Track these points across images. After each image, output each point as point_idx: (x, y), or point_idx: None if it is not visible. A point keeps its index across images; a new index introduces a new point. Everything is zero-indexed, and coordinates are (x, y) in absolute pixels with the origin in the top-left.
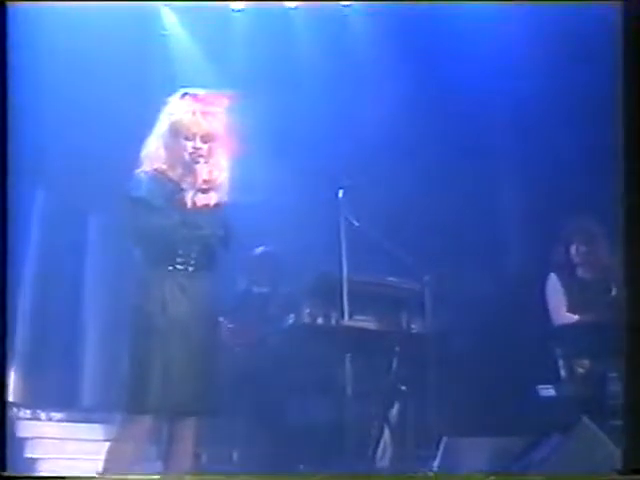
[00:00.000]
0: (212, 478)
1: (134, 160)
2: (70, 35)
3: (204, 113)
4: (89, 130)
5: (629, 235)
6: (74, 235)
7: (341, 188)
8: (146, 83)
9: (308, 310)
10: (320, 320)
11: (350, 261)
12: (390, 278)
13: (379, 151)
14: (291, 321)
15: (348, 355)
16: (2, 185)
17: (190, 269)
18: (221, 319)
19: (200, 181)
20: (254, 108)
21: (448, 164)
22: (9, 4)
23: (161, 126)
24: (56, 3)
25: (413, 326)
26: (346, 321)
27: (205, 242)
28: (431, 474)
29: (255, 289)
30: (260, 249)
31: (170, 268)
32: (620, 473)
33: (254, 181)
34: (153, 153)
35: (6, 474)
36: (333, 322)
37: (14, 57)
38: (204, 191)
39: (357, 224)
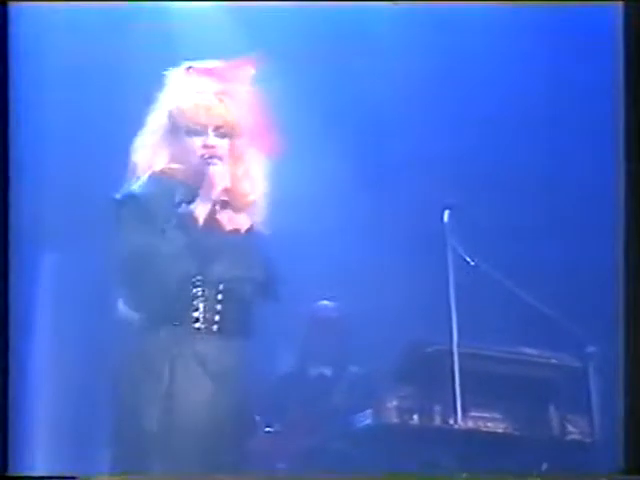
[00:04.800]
0: (212, 478)
1: (125, 168)
2: (71, 35)
3: (218, 93)
4: (91, 132)
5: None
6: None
7: (447, 209)
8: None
9: (395, 402)
10: (416, 418)
11: (463, 322)
12: (529, 349)
13: (499, 158)
14: (369, 420)
15: (463, 475)
16: (3, 190)
17: (214, 329)
18: (259, 413)
19: (218, 191)
20: (308, 89)
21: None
22: (10, 4)
23: (159, 116)
24: (57, 3)
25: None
26: (460, 419)
27: (236, 289)
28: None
29: (312, 368)
30: (320, 304)
31: (182, 328)
32: (620, 473)
33: (308, 199)
34: (148, 156)
35: (7, 474)
36: (438, 421)
37: (15, 57)
38: (235, 210)
39: (472, 262)
